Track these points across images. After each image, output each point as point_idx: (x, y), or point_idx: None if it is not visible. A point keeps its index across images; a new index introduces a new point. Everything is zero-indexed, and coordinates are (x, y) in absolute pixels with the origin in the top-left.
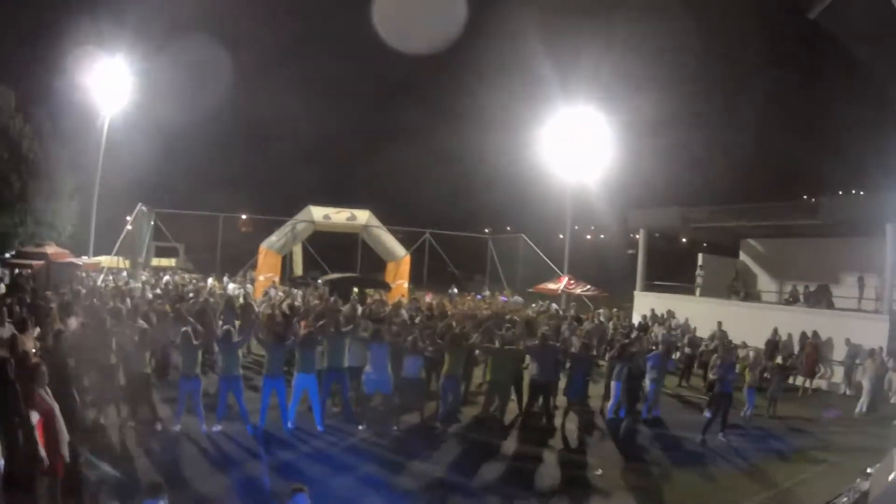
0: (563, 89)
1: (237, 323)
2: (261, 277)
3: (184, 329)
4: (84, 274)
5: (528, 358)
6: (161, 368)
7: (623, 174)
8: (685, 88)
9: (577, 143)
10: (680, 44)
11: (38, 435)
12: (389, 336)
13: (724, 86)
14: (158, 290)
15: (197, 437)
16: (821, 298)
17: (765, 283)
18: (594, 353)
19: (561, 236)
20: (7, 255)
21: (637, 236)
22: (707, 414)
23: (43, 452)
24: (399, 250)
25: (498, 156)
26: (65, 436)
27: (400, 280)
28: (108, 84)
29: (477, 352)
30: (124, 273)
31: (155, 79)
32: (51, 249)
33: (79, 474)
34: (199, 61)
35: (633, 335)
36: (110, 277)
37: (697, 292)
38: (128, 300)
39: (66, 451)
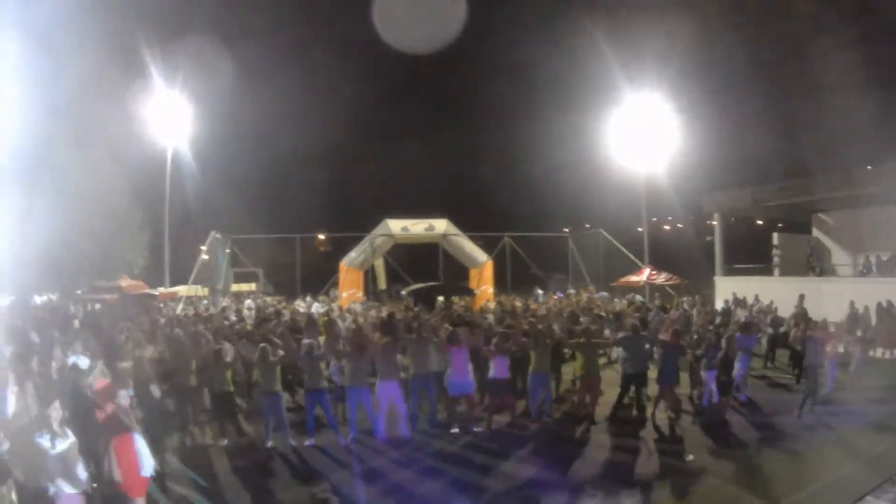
0: (626, 76)
1: (321, 340)
2: (343, 294)
3: (261, 345)
4: (161, 304)
5: (616, 351)
6: (243, 387)
7: (694, 159)
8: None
9: (644, 132)
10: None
11: (115, 456)
12: (467, 339)
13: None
14: (241, 314)
15: (286, 452)
16: (893, 267)
17: (839, 256)
18: (684, 343)
19: (640, 229)
20: (79, 292)
21: (713, 222)
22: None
23: (118, 473)
24: (480, 256)
25: (570, 152)
26: (146, 457)
27: (484, 286)
28: (170, 114)
29: (566, 350)
30: (204, 301)
31: (216, 105)
32: (124, 282)
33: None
34: (259, 83)
35: (717, 321)
36: (190, 307)
37: (776, 272)
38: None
39: (147, 473)
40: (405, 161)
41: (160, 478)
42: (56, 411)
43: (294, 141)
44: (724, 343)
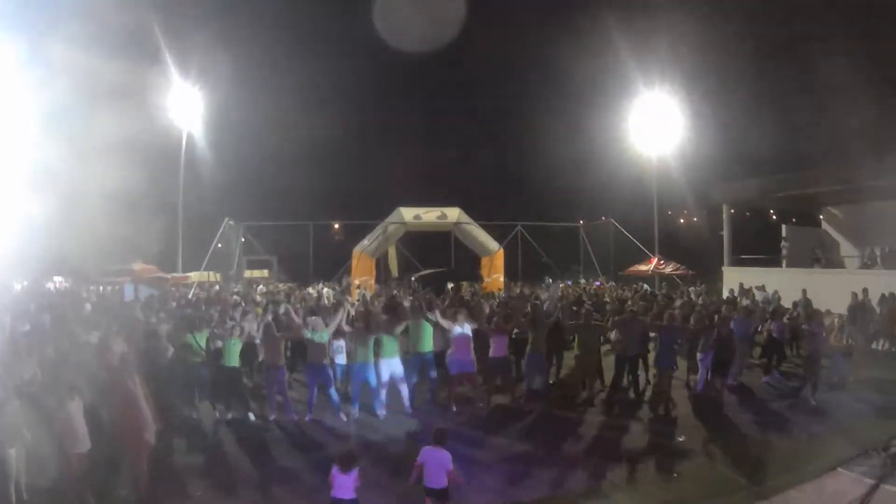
0: (640, 68)
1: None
2: (356, 281)
3: (266, 321)
4: (173, 288)
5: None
6: (248, 362)
7: (708, 151)
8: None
9: (657, 124)
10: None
11: (122, 418)
12: (468, 319)
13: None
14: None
15: (287, 426)
16: None
17: (847, 249)
18: (679, 325)
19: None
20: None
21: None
22: (765, 379)
23: (124, 435)
24: (492, 245)
25: (584, 143)
26: (149, 422)
27: (495, 274)
28: (184, 101)
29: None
30: (216, 287)
31: (229, 92)
32: (137, 266)
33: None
34: (273, 71)
35: (722, 309)
36: (201, 291)
37: (784, 264)
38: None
39: (150, 438)
40: (419, 149)
41: (166, 446)
42: (65, 376)
43: (308, 128)
44: (716, 324)
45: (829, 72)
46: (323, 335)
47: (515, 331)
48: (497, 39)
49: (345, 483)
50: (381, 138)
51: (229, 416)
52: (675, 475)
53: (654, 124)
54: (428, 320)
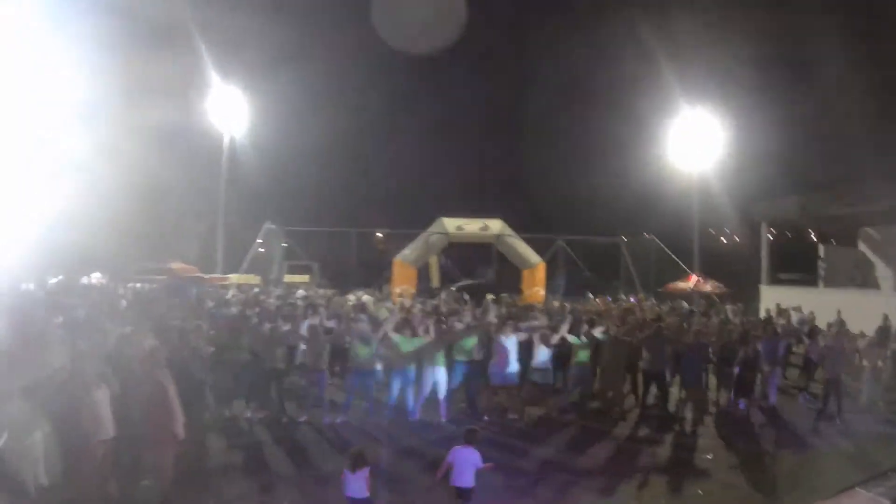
0: (683, 85)
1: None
2: (397, 290)
3: (311, 323)
4: (210, 288)
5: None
6: (288, 364)
7: (748, 169)
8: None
9: (698, 140)
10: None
11: (151, 411)
12: (514, 330)
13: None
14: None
15: (320, 428)
16: None
17: (882, 270)
18: (706, 343)
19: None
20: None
21: (768, 235)
22: (802, 399)
23: (151, 428)
24: (533, 258)
25: (625, 159)
26: (178, 414)
27: (536, 287)
28: (227, 104)
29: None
30: (255, 289)
31: (273, 98)
32: (175, 265)
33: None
34: (318, 76)
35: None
36: (240, 294)
37: (821, 284)
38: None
39: (179, 430)
40: (463, 159)
41: (195, 443)
42: (92, 364)
43: (352, 135)
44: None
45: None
46: (370, 343)
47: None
48: (543, 54)
49: (355, 482)
50: (426, 147)
51: (261, 415)
52: (700, 492)
53: (696, 140)
54: (472, 330)
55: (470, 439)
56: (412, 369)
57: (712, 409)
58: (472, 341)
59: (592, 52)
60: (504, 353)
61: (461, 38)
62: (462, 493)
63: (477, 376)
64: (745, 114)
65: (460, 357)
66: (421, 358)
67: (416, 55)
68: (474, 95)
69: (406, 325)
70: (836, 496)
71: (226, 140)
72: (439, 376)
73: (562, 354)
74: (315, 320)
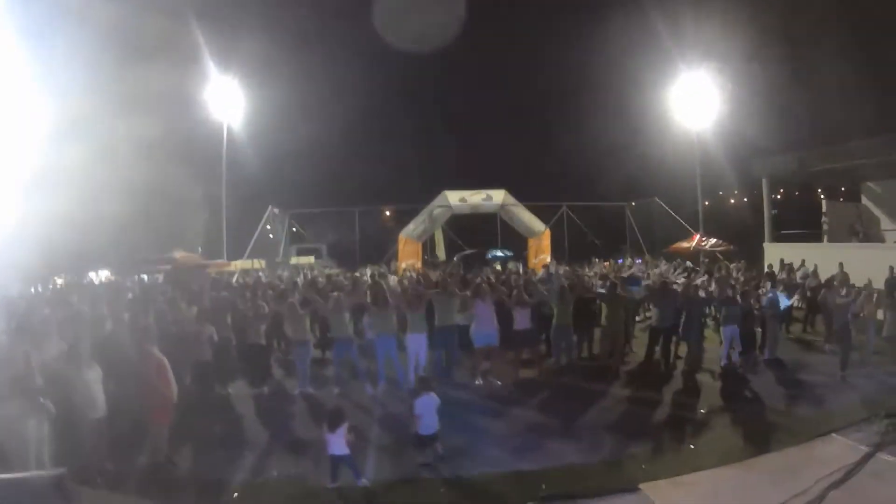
0: (680, 45)
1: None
2: (402, 265)
3: (290, 300)
4: (214, 274)
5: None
6: (274, 339)
7: (749, 127)
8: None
9: (699, 100)
10: None
11: (146, 386)
12: (491, 293)
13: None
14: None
15: (310, 398)
16: None
17: (887, 224)
18: (706, 297)
19: (707, 202)
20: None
21: (777, 195)
22: (828, 349)
23: (147, 400)
24: (538, 226)
25: (626, 121)
26: (171, 382)
27: (542, 255)
28: (223, 92)
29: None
30: (259, 273)
31: (269, 81)
32: (178, 254)
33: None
34: (312, 58)
35: (756, 283)
36: (242, 279)
37: (825, 239)
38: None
39: (172, 395)
40: (463, 132)
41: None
42: (85, 345)
43: (351, 114)
44: (740, 298)
45: (872, 44)
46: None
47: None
48: (538, 20)
49: (335, 440)
50: (425, 122)
51: (255, 390)
52: (691, 446)
53: (696, 101)
54: (451, 295)
55: (426, 387)
56: (391, 336)
57: (712, 365)
58: (452, 306)
59: (593, 19)
60: (484, 314)
61: (459, 15)
62: (430, 439)
63: (455, 342)
64: (744, 72)
65: (441, 323)
66: (405, 325)
67: (412, 33)
68: (471, 68)
69: (380, 296)
70: (811, 442)
71: (224, 127)
72: (420, 343)
73: (543, 316)
74: (294, 298)
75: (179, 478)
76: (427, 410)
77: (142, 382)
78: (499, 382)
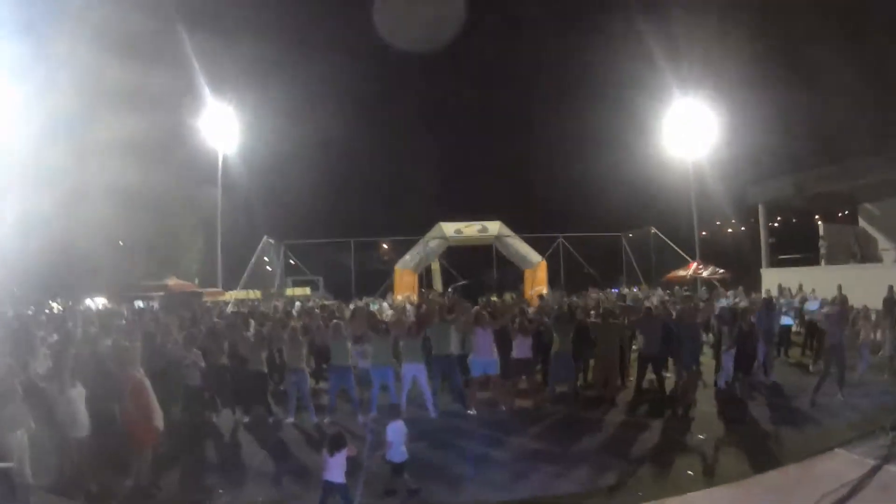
0: (675, 75)
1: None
2: (398, 297)
3: (290, 326)
4: (207, 301)
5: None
6: (273, 368)
7: (744, 154)
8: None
9: (694, 130)
10: None
11: (130, 407)
12: (491, 321)
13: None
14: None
15: (305, 427)
16: None
17: (884, 245)
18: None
19: (704, 233)
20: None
21: (773, 223)
22: (812, 369)
23: (130, 423)
24: (534, 257)
25: (621, 152)
26: (157, 410)
27: (538, 286)
28: (220, 123)
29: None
30: (256, 302)
31: (266, 111)
32: (171, 281)
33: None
34: (310, 89)
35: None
36: (237, 308)
37: (822, 262)
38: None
39: (159, 423)
40: (458, 164)
41: (180, 444)
42: (68, 365)
43: (347, 146)
44: (738, 319)
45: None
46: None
47: (533, 327)
48: (533, 50)
49: (334, 465)
50: (421, 154)
51: (247, 419)
52: (689, 473)
53: (691, 130)
54: (448, 324)
55: (395, 414)
56: (389, 367)
57: (706, 386)
58: (450, 334)
59: (586, 48)
60: (483, 343)
61: (454, 40)
62: (399, 467)
63: (455, 371)
64: (738, 99)
65: (439, 352)
66: (400, 354)
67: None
68: (466, 100)
69: (375, 323)
70: (814, 458)
71: (220, 156)
72: (417, 372)
73: (542, 344)
74: (296, 323)
75: (161, 502)
76: (397, 438)
77: (123, 403)
78: (503, 407)
